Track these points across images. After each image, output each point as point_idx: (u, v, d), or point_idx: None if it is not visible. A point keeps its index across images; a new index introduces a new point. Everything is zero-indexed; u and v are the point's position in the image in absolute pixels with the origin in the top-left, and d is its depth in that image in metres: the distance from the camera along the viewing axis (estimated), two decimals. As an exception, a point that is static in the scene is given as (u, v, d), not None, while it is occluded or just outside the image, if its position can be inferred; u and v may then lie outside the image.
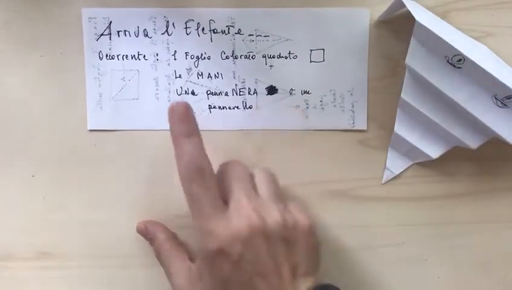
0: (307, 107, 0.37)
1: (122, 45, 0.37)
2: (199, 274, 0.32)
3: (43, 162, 0.37)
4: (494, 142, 0.34)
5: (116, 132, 0.37)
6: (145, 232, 0.37)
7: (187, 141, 0.31)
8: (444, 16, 0.36)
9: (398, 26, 0.37)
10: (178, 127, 0.31)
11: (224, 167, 0.34)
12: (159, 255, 0.36)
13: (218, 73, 0.37)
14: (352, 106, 0.37)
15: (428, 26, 0.31)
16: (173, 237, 0.37)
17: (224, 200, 0.32)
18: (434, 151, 0.36)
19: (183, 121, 0.31)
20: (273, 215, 0.31)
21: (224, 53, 0.37)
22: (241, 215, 0.30)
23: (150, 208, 0.38)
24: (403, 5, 0.33)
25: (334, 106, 0.37)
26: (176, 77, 0.37)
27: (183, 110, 0.31)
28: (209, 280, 0.31)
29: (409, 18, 0.32)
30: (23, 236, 0.38)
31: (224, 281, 0.30)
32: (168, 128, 0.37)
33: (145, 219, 0.38)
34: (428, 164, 0.38)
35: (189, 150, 0.31)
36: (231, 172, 0.33)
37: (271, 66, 0.37)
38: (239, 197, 0.32)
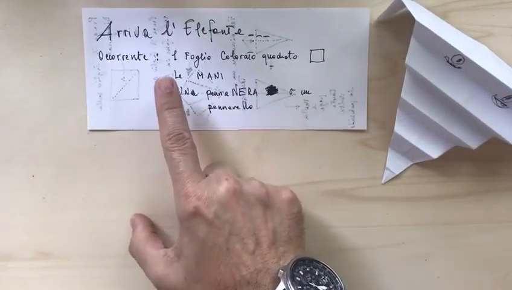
0: (307, 107, 0.37)
1: (122, 45, 0.37)
2: (178, 247, 0.32)
3: (43, 162, 0.37)
4: (494, 142, 0.34)
5: (116, 132, 0.37)
6: (131, 222, 0.37)
7: (168, 112, 0.33)
8: (444, 16, 0.36)
9: (398, 26, 0.37)
10: (161, 101, 0.33)
11: (212, 163, 0.36)
12: (131, 245, 0.36)
13: (218, 73, 0.37)
14: (352, 106, 0.37)
15: (428, 26, 0.31)
16: (150, 226, 0.37)
17: (206, 176, 0.33)
18: (434, 151, 0.36)
19: (165, 94, 0.33)
20: (252, 182, 0.32)
21: (224, 53, 0.37)
22: (219, 180, 0.31)
23: (150, 207, 0.38)
24: (403, 5, 0.33)
25: (334, 106, 0.37)
26: (176, 77, 0.37)
27: (167, 84, 0.34)
28: (188, 246, 0.31)
29: (409, 18, 0.32)
30: (23, 236, 0.38)
31: (201, 244, 0.30)
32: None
33: (145, 218, 0.38)
34: (428, 164, 0.38)
35: (171, 120, 0.33)
36: (218, 163, 0.35)
37: (271, 66, 0.37)
38: (219, 171, 0.33)
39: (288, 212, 0.32)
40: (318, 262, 0.31)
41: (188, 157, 0.32)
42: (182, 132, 0.33)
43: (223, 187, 0.31)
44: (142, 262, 0.34)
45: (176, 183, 0.32)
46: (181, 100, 0.34)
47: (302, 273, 0.29)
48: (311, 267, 0.30)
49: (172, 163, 0.32)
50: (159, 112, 0.34)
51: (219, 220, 0.30)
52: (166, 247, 0.35)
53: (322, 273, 0.30)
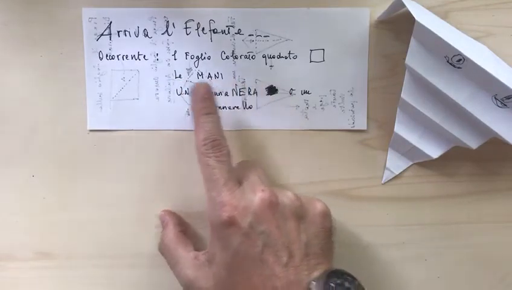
0: (307, 107, 0.37)
1: (122, 45, 0.37)
2: (210, 253, 0.32)
3: (43, 162, 0.37)
4: (494, 142, 0.34)
5: (116, 132, 0.37)
6: (161, 219, 0.37)
7: (205, 118, 0.33)
8: (444, 16, 0.36)
9: (398, 26, 0.37)
10: (198, 106, 0.33)
11: (243, 162, 0.35)
12: (161, 244, 0.35)
13: (218, 73, 0.37)
14: (352, 106, 0.37)
15: (428, 26, 0.31)
16: (181, 225, 0.36)
17: (240, 183, 0.33)
18: (434, 151, 0.36)
19: (203, 100, 0.33)
20: (287, 194, 0.32)
21: (224, 53, 0.37)
22: (255, 189, 0.31)
23: (150, 207, 0.38)
24: (403, 5, 0.33)
25: (334, 106, 0.37)
26: (176, 77, 0.37)
27: (204, 90, 0.33)
28: (220, 255, 0.31)
29: (409, 18, 0.32)
30: (23, 236, 0.38)
31: (234, 254, 0.30)
32: (168, 128, 0.37)
33: (144, 218, 0.38)
34: (428, 164, 0.38)
35: (207, 126, 0.32)
36: (250, 165, 0.35)
37: (271, 66, 0.37)
38: (254, 179, 0.33)
39: (322, 226, 0.32)
40: (348, 275, 0.31)
41: (223, 165, 0.32)
42: (218, 139, 0.32)
43: (258, 198, 0.30)
44: (173, 262, 0.34)
45: (210, 191, 0.31)
46: (216, 106, 0.34)
47: (333, 286, 0.29)
48: (342, 279, 0.30)
49: (207, 169, 0.32)
50: (196, 117, 0.33)
51: (254, 231, 0.30)
52: (196, 248, 0.34)
53: (351, 286, 0.30)
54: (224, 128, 0.37)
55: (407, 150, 0.37)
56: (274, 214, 0.30)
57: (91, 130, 0.37)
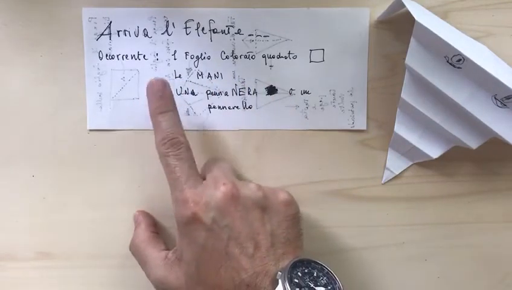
0: (307, 107, 0.37)
1: (122, 45, 0.37)
2: (179, 251, 0.32)
3: (43, 162, 0.37)
4: (494, 142, 0.34)
5: (116, 132, 0.37)
6: (135, 219, 0.37)
7: (161, 116, 0.33)
8: (444, 16, 0.36)
9: (398, 26, 0.37)
10: (155, 104, 0.33)
11: (211, 159, 0.35)
12: (132, 244, 0.36)
13: (218, 73, 0.37)
14: (352, 106, 0.37)
15: (428, 26, 0.31)
16: (154, 226, 0.37)
17: (204, 178, 0.33)
18: (434, 151, 0.36)
19: (159, 97, 0.33)
20: (250, 186, 0.32)
21: (224, 53, 0.37)
22: (217, 184, 0.31)
23: (149, 208, 0.38)
24: (403, 5, 0.33)
25: (334, 106, 0.37)
26: (175, 77, 0.37)
27: (159, 87, 0.33)
28: (187, 251, 0.31)
29: (409, 18, 0.32)
30: (23, 236, 0.38)
31: (201, 249, 0.30)
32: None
33: (145, 218, 0.38)
34: (428, 164, 0.38)
35: (163, 125, 0.32)
36: (216, 161, 0.35)
37: (271, 66, 0.37)
38: (217, 173, 0.33)
39: (286, 214, 0.32)
40: (316, 263, 0.31)
41: (183, 161, 0.32)
42: (176, 136, 0.32)
43: (220, 192, 0.31)
44: (142, 263, 0.34)
45: (173, 189, 0.32)
46: (174, 102, 0.33)
47: (300, 275, 0.29)
48: (310, 268, 0.30)
49: (168, 168, 0.32)
50: (152, 116, 0.33)
51: (217, 225, 0.30)
52: (167, 248, 0.35)
53: (320, 274, 0.30)
54: (224, 129, 0.37)
55: (407, 150, 0.37)
56: (236, 206, 0.31)
57: (91, 130, 0.37)
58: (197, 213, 0.30)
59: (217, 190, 0.31)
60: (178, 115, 0.33)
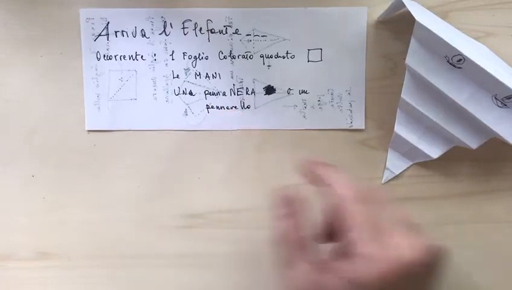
0: (305, 107, 0.37)
1: (119, 45, 0.37)
2: None
3: (43, 162, 0.38)
4: (494, 142, 0.33)
5: (116, 132, 0.38)
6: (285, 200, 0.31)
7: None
8: (444, 16, 0.36)
9: (398, 26, 0.36)
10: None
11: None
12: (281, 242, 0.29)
13: (216, 73, 0.37)
14: (350, 106, 0.37)
15: (428, 26, 0.31)
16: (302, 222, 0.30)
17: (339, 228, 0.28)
18: (434, 151, 0.36)
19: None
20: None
21: (222, 53, 0.37)
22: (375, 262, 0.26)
23: (149, 207, 0.38)
24: (403, 5, 0.33)
25: (332, 105, 0.37)
26: (173, 77, 0.37)
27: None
28: None
29: (409, 18, 0.32)
30: (23, 236, 0.38)
31: None
32: (166, 128, 0.37)
33: (144, 219, 0.38)
34: (428, 164, 0.37)
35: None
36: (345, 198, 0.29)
37: (269, 65, 0.37)
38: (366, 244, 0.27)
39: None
40: None
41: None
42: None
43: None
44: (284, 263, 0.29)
45: None
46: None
47: None
48: None
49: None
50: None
51: None
52: None
53: None
54: (222, 128, 0.37)
55: (407, 150, 0.37)
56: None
57: (90, 130, 0.37)
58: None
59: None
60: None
